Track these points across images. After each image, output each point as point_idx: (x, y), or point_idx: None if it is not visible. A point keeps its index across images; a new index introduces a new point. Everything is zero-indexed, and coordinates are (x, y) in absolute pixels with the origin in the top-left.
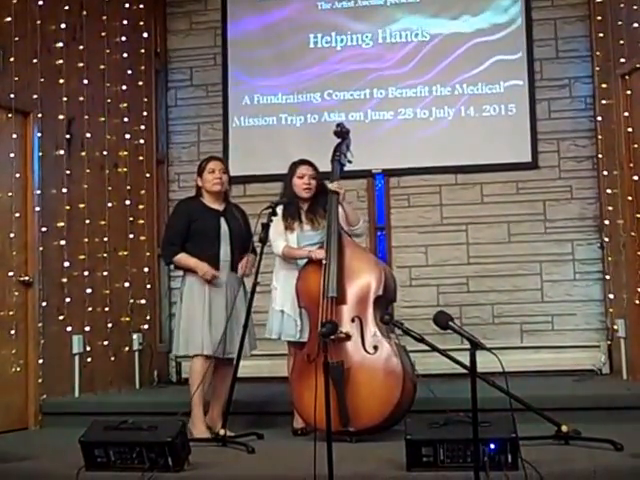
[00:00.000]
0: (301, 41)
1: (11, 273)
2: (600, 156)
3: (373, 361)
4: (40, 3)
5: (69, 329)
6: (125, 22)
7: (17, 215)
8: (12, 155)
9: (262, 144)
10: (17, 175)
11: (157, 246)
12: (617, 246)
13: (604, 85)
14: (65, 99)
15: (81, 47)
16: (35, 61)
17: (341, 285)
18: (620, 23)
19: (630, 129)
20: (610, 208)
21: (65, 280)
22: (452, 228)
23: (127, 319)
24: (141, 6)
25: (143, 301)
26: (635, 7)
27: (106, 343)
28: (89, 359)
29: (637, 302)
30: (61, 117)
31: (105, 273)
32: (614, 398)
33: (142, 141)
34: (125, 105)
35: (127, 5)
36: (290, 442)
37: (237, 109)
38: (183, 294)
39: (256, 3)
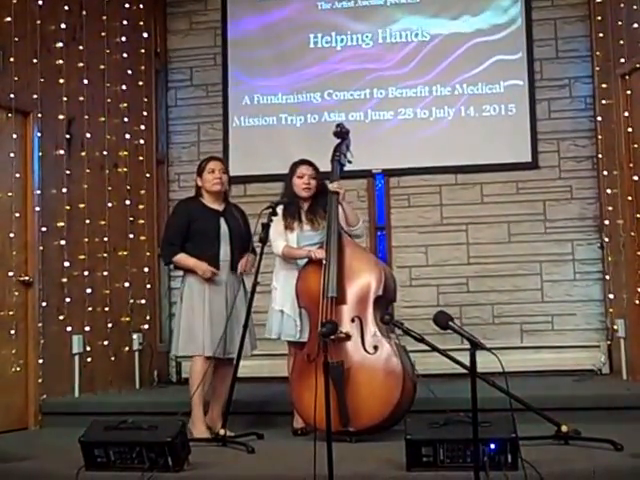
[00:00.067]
0: (301, 41)
1: (11, 273)
2: (600, 156)
3: (373, 361)
4: (40, 3)
5: (69, 329)
6: (125, 22)
7: (17, 215)
8: (12, 155)
9: (262, 144)
10: (17, 175)
11: (157, 246)
12: (617, 246)
13: (604, 85)
14: (65, 99)
15: (81, 47)
16: (35, 61)
17: (341, 285)
18: (620, 23)
19: (630, 129)
20: (610, 208)
21: (65, 280)
22: (452, 228)
23: (127, 319)
24: (141, 6)
25: (143, 301)
26: (635, 7)
27: (106, 343)
28: (89, 359)
29: (637, 302)
30: (61, 117)
31: (105, 273)
32: (614, 398)
33: (142, 141)
34: (125, 105)
35: (127, 5)
36: (290, 442)
37: (237, 109)
38: (183, 294)
39: (256, 3)
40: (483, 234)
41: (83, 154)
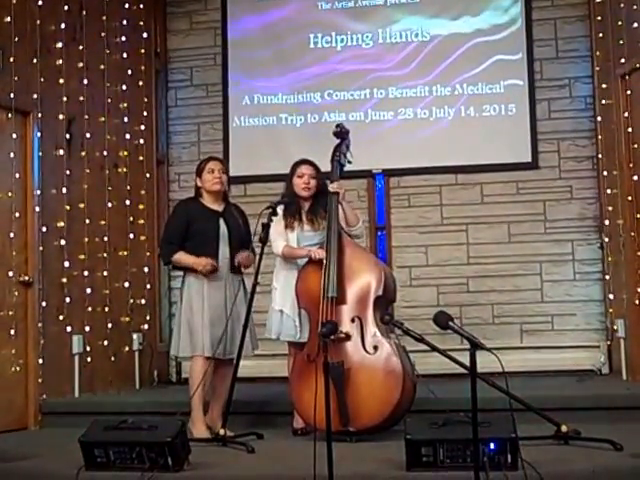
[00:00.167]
0: (301, 41)
1: (11, 273)
2: (600, 156)
3: (373, 361)
4: (40, 3)
5: (69, 329)
6: (125, 22)
7: (17, 215)
8: (12, 155)
9: (262, 144)
10: (17, 175)
11: (157, 246)
12: (617, 246)
13: (604, 85)
14: (65, 99)
15: (81, 47)
16: (35, 61)
17: (341, 285)
18: (620, 23)
19: (630, 129)
20: (610, 208)
21: (65, 280)
22: (452, 228)
23: (127, 319)
24: (141, 6)
25: (143, 301)
26: (635, 7)
27: (106, 343)
28: (89, 359)
29: (637, 302)
30: (61, 117)
31: (105, 273)
32: (614, 398)
33: (142, 141)
34: (125, 105)
35: (127, 5)
36: (290, 442)
37: (237, 109)
38: (183, 294)
39: (256, 3)
40: (483, 234)
41: (83, 154)
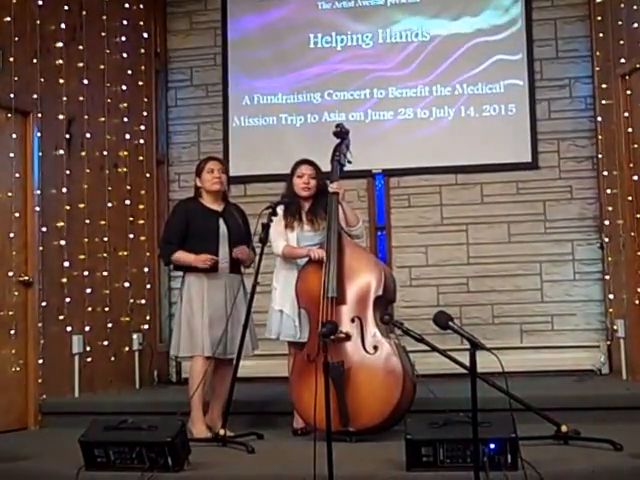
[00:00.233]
0: (301, 41)
1: (11, 273)
2: (600, 156)
3: (373, 361)
4: (40, 3)
5: (69, 329)
6: (125, 22)
7: (17, 215)
8: (12, 155)
9: (262, 144)
10: (17, 175)
11: (157, 246)
12: (617, 246)
13: (604, 85)
14: (65, 99)
15: (81, 47)
16: (35, 61)
17: (341, 285)
18: (620, 23)
19: (630, 129)
20: (610, 208)
21: (65, 280)
22: (452, 228)
23: (127, 319)
24: (141, 6)
25: (143, 301)
26: (635, 7)
27: (106, 343)
28: (89, 359)
29: (637, 302)
30: (61, 117)
31: (105, 273)
32: (614, 398)
33: (142, 141)
34: (125, 105)
35: (127, 5)
36: (290, 442)
37: (237, 109)
38: (183, 294)
39: (256, 3)
40: (483, 234)
41: (83, 154)
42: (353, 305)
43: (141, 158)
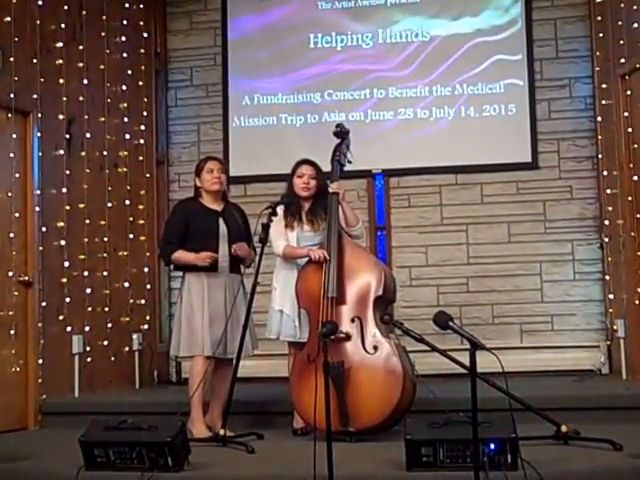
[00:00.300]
0: (301, 41)
1: (11, 273)
2: (600, 156)
3: (373, 361)
4: (40, 3)
5: (69, 329)
6: (125, 22)
7: (17, 215)
8: (12, 155)
9: (262, 144)
10: (17, 175)
11: (157, 246)
12: (617, 246)
13: (604, 85)
14: (65, 99)
15: (81, 47)
16: (35, 61)
17: (341, 285)
18: (620, 23)
19: (630, 129)
20: (610, 208)
21: (65, 280)
22: (452, 228)
23: (127, 319)
24: (141, 6)
25: (143, 301)
26: (635, 7)
27: (106, 343)
28: (89, 359)
29: (637, 302)
30: (61, 117)
31: (105, 273)
32: (614, 398)
33: (142, 141)
34: (125, 105)
35: (127, 5)
36: (290, 442)
37: (237, 109)
38: (182, 294)
39: (256, 3)
40: (483, 234)
41: (83, 154)
42: (353, 305)
43: (141, 158)
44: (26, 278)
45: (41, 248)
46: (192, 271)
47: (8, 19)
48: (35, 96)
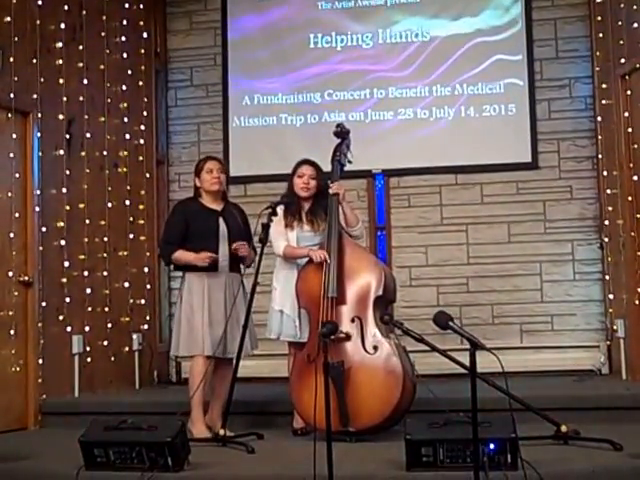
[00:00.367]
0: (301, 41)
1: (11, 273)
2: (600, 156)
3: (373, 361)
4: (40, 3)
5: (69, 329)
6: (125, 22)
7: (17, 215)
8: (12, 155)
9: (262, 144)
10: (17, 175)
11: (157, 246)
12: (617, 246)
13: (604, 85)
14: (65, 99)
15: (81, 47)
16: (35, 61)
17: (341, 285)
18: (620, 23)
19: (630, 129)
20: (610, 208)
21: (65, 280)
22: (452, 228)
23: (127, 319)
24: (141, 6)
25: (143, 301)
26: (635, 7)
27: (106, 343)
28: (89, 359)
29: (637, 302)
30: (61, 117)
31: (105, 273)
32: (613, 398)
33: (142, 141)
34: (125, 105)
35: (127, 5)
36: (290, 442)
37: (237, 109)
38: (182, 294)
39: (256, 3)
40: (483, 234)
41: (83, 154)
42: (353, 305)
43: (141, 158)
44: (26, 278)
45: (41, 248)
46: (192, 271)
47: (8, 19)
48: (35, 96)
